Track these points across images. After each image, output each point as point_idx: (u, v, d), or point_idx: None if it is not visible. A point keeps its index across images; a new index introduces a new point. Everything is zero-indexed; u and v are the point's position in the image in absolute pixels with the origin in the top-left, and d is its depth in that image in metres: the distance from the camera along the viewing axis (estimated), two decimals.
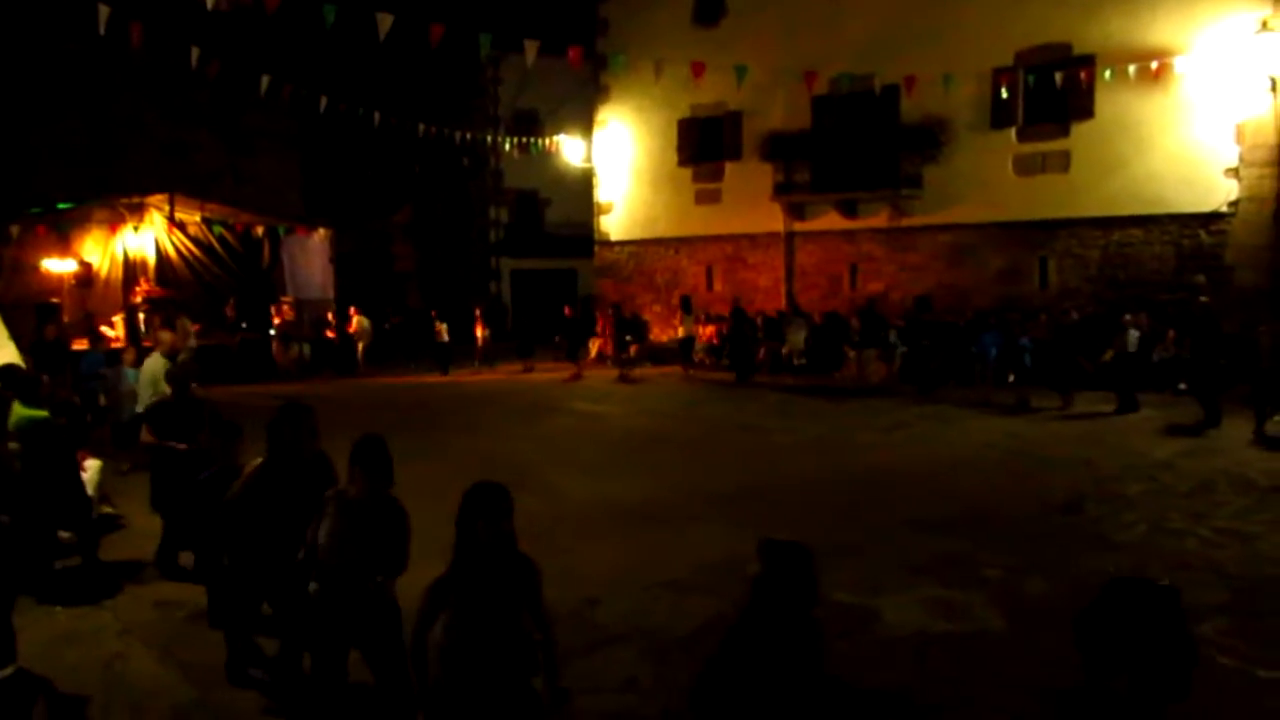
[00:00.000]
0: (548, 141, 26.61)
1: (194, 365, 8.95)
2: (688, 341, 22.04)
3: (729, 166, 23.88)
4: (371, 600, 4.63)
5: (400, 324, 26.69)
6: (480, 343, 23.49)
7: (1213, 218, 17.74)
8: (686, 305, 22.35)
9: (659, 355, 23.30)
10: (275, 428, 5.23)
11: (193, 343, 16.92)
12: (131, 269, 21.84)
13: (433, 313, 24.20)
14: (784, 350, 21.21)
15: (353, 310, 24.08)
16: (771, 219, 23.11)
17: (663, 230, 25.35)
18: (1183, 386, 15.32)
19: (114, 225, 21.89)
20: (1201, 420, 13.38)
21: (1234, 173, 17.50)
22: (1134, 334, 16.52)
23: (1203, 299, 15.63)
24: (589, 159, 26.77)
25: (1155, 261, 18.34)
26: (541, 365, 22.80)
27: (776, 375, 20.60)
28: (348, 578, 4.60)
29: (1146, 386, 15.22)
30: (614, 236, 26.55)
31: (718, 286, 24.29)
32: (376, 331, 24.95)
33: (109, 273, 21.94)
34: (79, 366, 14.93)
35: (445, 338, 23.05)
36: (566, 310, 23.62)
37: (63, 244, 21.21)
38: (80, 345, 16.39)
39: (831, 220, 22.38)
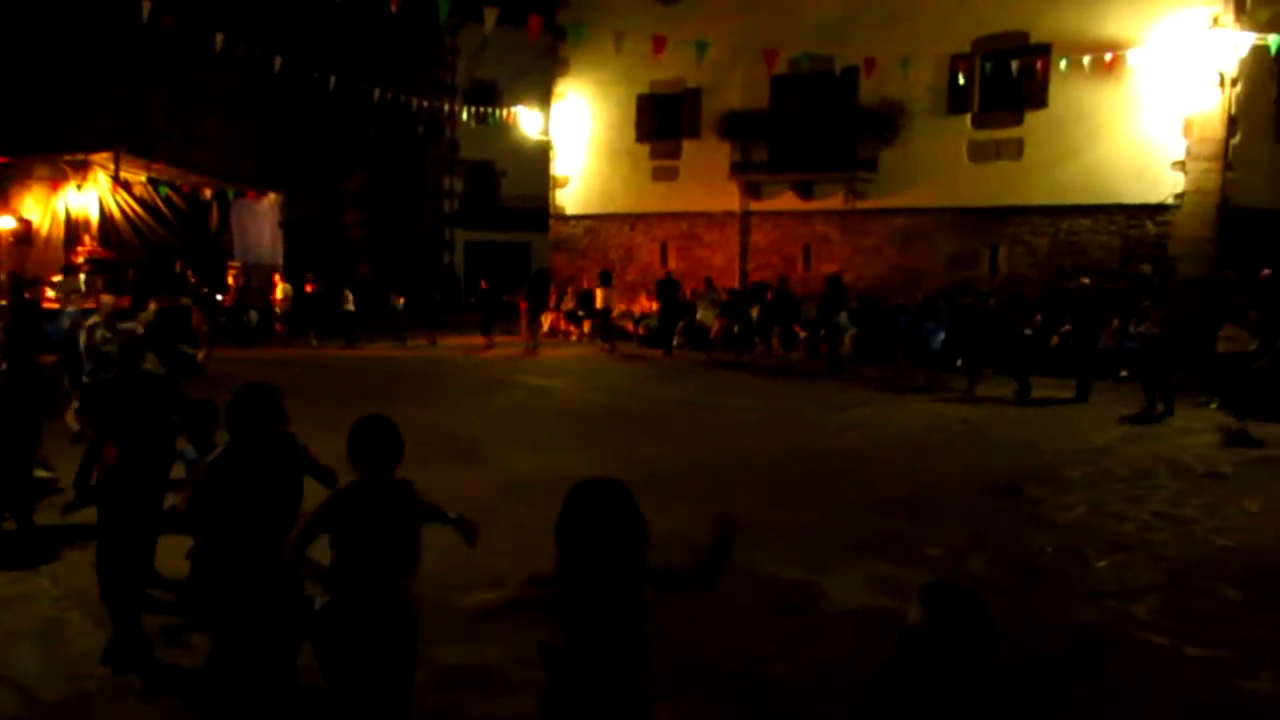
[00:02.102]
0: (505, 113, 26.37)
1: (140, 336, 8.43)
2: (606, 313, 22.10)
3: (687, 144, 23.83)
4: (405, 617, 3.99)
5: (318, 292, 25.21)
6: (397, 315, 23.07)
7: (1159, 209, 18.07)
8: (606, 278, 22.37)
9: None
10: (236, 411, 4.66)
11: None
12: (74, 228, 21.36)
13: (373, 277, 23.70)
14: (696, 325, 21.29)
15: (277, 277, 23.64)
16: (728, 198, 23.13)
17: (619, 206, 25.27)
18: (1124, 374, 15.62)
19: (56, 182, 21.37)
20: (1075, 396, 14.60)
21: (1181, 166, 17.82)
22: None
23: (1085, 280, 16.24)
24: (546, 132, 26.56)
25: (1102, 251, 18.64)
26: (454, 339, 22.55)
27: (688, 351, 20.74)
28: (379, 585, 3.90)
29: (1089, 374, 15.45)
30: (570, 211, 26.41)
31: (672, 263, 24.27)
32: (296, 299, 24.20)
33: (50, 231, 21.45)
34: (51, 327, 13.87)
35: (350, 306, 22.61)
36: (483, 283, 23.63)
37: (1, 200, 20.68)
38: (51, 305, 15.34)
39: (788, 200, 22.45)
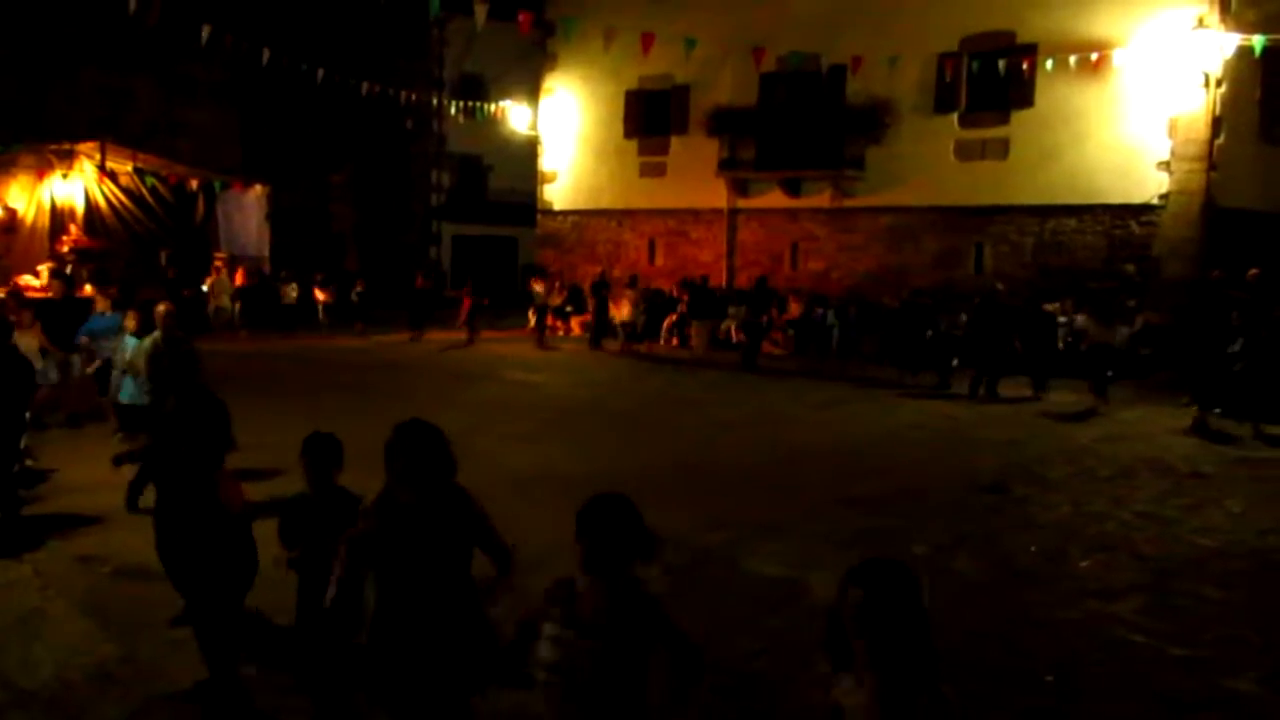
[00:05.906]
0: (493, 107, 26.30)
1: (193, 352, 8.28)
2: (543, 309, 22.21)
3: (674, 140, 23.83)
4: None
5: (257, 285, 24.26)
6: (321, 308, 22.91)
7: (1143, 209, 18.17)
8: (542, 272, 22.81)
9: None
10: (406, 455, 3.64)
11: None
12: (59, 218, 21.21)
13: (283, 273, 23.66)
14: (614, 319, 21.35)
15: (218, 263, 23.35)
16: (715, 195, 23.14)
17: (606, 202, 25.26)
18: (1110, 374, 15.67)
19: (41, 171, 21.21)
20: (968, 393, 14.93)
21: (1165, 166, 17.93)
22: (1062, 319, 16.93)
23: (999, 285, 16.56)
24: (534, 127, 26.53)
25: (1086, 250, 18.74)
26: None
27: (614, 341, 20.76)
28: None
29: (1072, 373, 15.50)
30: (557, 206, 26.40)
31: (659, 260, 24.29)
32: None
33: (35, 220, 21.27)
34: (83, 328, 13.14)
35: (291, 299, 22.77)
36: (419, 278, 23.36)
37: None
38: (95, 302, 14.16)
39: (775, 198, 22.48)
